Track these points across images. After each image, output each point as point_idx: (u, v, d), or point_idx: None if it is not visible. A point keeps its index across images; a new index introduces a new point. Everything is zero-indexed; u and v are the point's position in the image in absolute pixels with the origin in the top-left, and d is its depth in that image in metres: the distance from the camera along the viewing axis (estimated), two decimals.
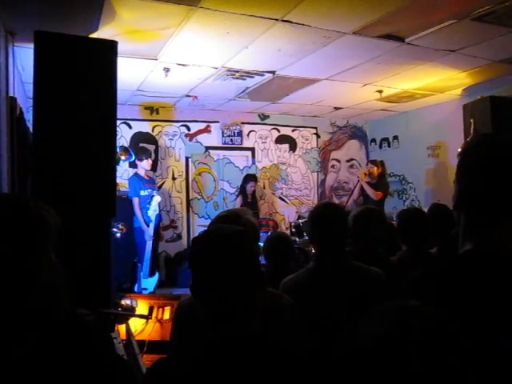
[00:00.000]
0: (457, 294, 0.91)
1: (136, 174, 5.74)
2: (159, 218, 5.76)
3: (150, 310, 3.44)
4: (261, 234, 5.18)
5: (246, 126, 7.55)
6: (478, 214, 0.98)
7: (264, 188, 7.69)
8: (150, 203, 5.48)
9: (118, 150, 4.98)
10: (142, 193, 5.54)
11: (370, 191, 6.10)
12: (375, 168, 6.22)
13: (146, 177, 5.77)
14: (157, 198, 5.51)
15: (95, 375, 1.06)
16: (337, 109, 7.21)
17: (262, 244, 5.23)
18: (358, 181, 6.54)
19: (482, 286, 0.90)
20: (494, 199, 0.95)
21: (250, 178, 6.72)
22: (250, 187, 6.59)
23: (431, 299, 0.92)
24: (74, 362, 1.04)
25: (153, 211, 5.43)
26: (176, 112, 7.04)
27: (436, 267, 1.03)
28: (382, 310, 0.76)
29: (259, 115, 7.60)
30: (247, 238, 1.16)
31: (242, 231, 1.18)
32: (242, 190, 6.70)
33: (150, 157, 5.94)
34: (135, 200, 5.47)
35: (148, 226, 5.40)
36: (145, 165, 5.72)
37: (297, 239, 5.53)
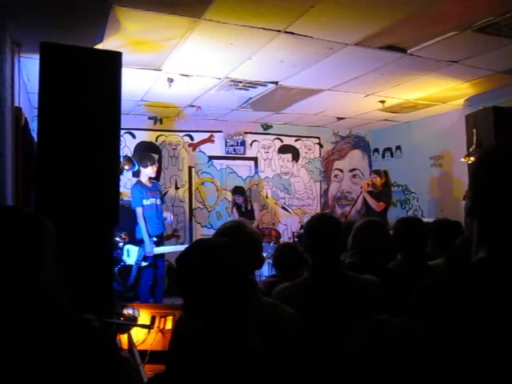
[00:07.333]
0: (468, 303, 0.89)
1: (139, 182, 5.51)
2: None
3: (152, 319, 3.43)
4: (263, 244, 5.19)
5: (249, 135, 7.58)
6: (492, 221, 0.96)
7: (267, 197, 7.70)
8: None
9: (121, 159, 4.98)
10: (145, 202, 5.36)
11: (372, 202, 6.13)
12: (378, 178, 6.22)
13: (148, 184, 5.52)
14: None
15: (101, 377, 1.07)
16: (339, 119, 7.23)
17: (265, 254, 5.26)
18: (361, 191, 6.54)
19: (496, 295, 0.89)
20: (509, 205, 0.93)
21: (234, 191, 6.70)
22: (237, 200, 6.63)
23: (441, 308, 0.90)
24: (81, 364, 1.05)
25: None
26: (179, 122, 7.08)
27: (447, 275, 1.01)
28: (360, 326, 0.77)
29: (262, 125, 7.63)
30: (229, 249, 1.14)
31: (222, 244, 1.16)
32: (234, 203, 6.74)
33: (155, 163, 5.68)
34: (139, 210, 5.27)
35: (150, 236, 5.26)
36: (149, 171, 5.48)
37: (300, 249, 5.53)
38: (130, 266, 5.26)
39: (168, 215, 5.85)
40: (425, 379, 0.76)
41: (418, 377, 0.69)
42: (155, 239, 5.37)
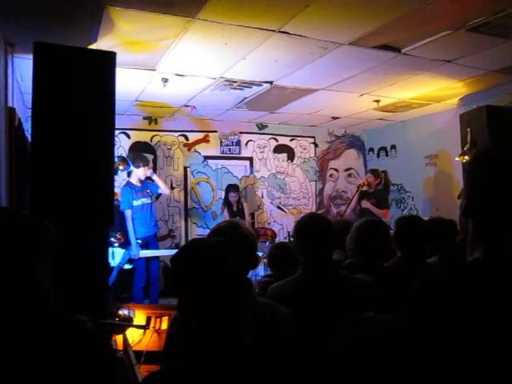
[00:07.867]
0: (464, 303, 0.88)
1: (128, 183, 5.46)
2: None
3: (148, 320, 3.42)
4: (259, 244, 5.18)
5: (244, 135, 7.58)
6: (487, 220, 0.95)
7: (262, 197, 7.70)
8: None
9: (116, 159, 4.96)
10: (135, 203, 5.33)
11: (377, 212, 5.96)
12: (373, 178, 6.22)
13: (138, 184, 5.46)
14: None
15: (97, 378, 1.07)
16: (334, 118, 7.24)
17: (260, 254, 5.25)
18: (357, 190, 6.54)
19: (490, 296, 0.88)
20: (505, 204, 0.92)
21: (231, 188, 6.66)
22: (231, 197, 6.57)
23: (436, 308, 0.90)
24: (77, 365, 1.05)
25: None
26: (174, 122, 7.07)
27: (442, 276, 1.00)
28: (346, 323, 0.78)
29: (257, 125, 7.63)
30: (223, 249, 1.15)
31: (217, 243, 1.17)
32: (225, 201, 6.68)
33: (148, 165, 5.64)
34: (128, 213, 5.23)
35: (137, 240, 5.21)
36: (140, 173, 5.43)
37: None
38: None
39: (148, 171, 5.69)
40: (409, 377, 0.76)
41: (401, 374, 0.70)
42: (139, 241, 5.32)
